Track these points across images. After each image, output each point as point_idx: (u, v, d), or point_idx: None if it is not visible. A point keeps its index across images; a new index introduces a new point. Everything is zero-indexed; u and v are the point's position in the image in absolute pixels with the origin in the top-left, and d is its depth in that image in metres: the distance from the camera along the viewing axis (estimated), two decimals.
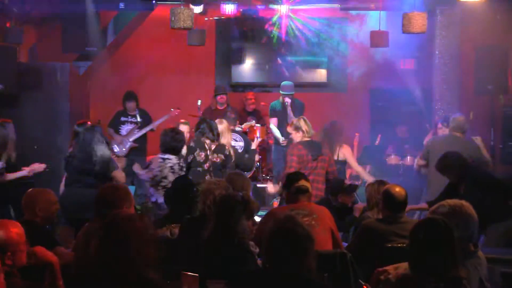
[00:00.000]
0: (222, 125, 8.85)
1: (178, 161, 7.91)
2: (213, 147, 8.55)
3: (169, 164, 7.83)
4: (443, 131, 9.53)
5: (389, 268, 4.62)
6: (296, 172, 7.03)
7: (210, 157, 8.49)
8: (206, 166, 8.48)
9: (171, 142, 7.95)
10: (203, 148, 8.45)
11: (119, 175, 8.01)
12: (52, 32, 11.53)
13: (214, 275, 4.27)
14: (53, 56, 11.36)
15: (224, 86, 12.33)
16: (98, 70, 12.74)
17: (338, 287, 5.23)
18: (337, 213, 7.38)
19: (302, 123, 8.69)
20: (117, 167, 8.10)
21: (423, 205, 7.99)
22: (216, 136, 8.60)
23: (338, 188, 7.85)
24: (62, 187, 8.23)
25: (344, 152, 9.47)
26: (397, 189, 5.90)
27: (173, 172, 7.78)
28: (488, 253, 5.27)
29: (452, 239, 3.82)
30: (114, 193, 4.66)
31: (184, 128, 9.74)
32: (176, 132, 8.12)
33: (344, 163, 9.53)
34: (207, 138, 8.53)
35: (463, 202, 4.37)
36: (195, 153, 8.43)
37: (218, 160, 8.57)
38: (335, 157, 9.31)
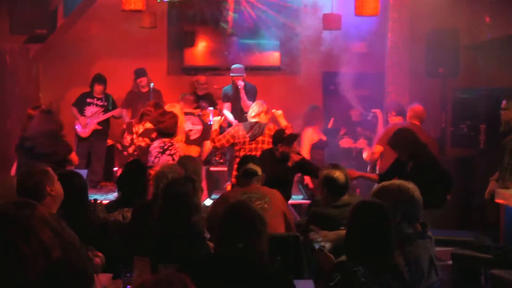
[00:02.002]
0: (174, 109, 8.76)
1: (161, 144, 7.82)
2: (140, 130, 8.49)
3: (150, 148, 7.84)
4: (392, 119, 9.64)
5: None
6: (250, 156, 7.07)
7: (135, 140, 8.48)
8: (130, 150, 8.48)
9: (156, 125, 7.94)
10: (130, 131, 8.46)
11: (74, 157, 8.02)
12: (0, 14, 11.31)
13: (166, 259, 4.23)
14: (1, 38, 11.16)
15: (144, 69, 12.06)
16: (48, 53, 12.55)
17: (290, 269, 5.23)
18: (280, 162, 7.77)
19: (257, 105, 8.86)
20: (71, 150, 8.08)
21: (374, 175, 8.06)
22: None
23: (278, 139, 7.93)
24: (13, 172, 8.15)
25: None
26: (337, 173, 5.95)
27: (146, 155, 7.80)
28: (439, 234, 5.34)
29: (386, 224, 3.78)
30: (32, 178, 4.59)
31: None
32: (161, 114, 8.07)
33: None
34: (142, 121, 8.52)
35: (402, 182, 4.36)
36: (123, 136, 8.48)
37: (144, 144, 8.53)
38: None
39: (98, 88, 11.56)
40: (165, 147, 7.76)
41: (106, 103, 11.62)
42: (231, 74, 10.99)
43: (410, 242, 4.16)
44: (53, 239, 3.18)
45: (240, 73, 10.90)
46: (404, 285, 3.77)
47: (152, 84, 11.52)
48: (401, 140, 7.46)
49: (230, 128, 9.00)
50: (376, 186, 4.51)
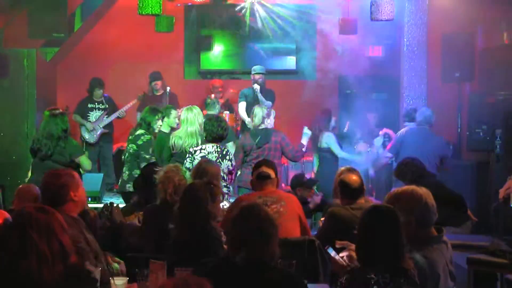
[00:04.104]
0: (187, 112, 8.71)
1: (217, 150, 7.89)
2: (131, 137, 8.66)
3: (201, 155, 7.85)
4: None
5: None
6: (263, 160, 7.09)
7: (131, 149, 8.60)
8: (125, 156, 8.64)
9: (218, 131, 8.00)
10: (127, 139, 8.65)
11: (85, 161, 8.00)
12: (18, 18, 11.39)
13: (183, 263, 4.26)
14: (19, 42, 11.23)
15: (159, 72, 12.18)
16: (65, 56, 12.62)
17: (306, 273, 5.24)
18: None
19: (257, 111, 8.85)
20: (82, 152, 8.09)
21: None
22: (148, 128, 8.64)
23: (297, 183, 7.98)
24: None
25: (327, 140, 9.73)
26: (353, 177, 5.95)
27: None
28: (455, 239, 5.33)
29: (396, 228, 3.78)
30: (58, 180, 4.55)
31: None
32: (220, 120, 8.17)
33: (327, 151, 9.78)
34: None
35: (415, 187, 4.36)
36: None
37: (131, 150, 8.63)
38: (318, 145, 9.59)
39: (99, 92, 11.59)
40: (223, 152, 7.86)
41: (107, 105, 11.65)
42: (252, 73, 10.93)
43: (424, 247, 4.16)
44: (71, 244, 3.25)
45: (261, 71, 10.87)
46: None
47: (168, 88, 11.58)
48: (402, 169, 7.67)
49: (240, 139, 9.06)
50: (389, 192, 4.51)
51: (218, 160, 7.67)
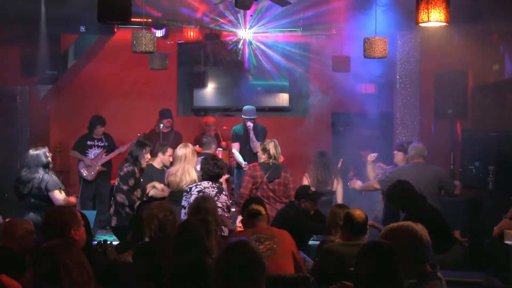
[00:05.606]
0: (185, 150, 8.72)
1: (213, 185, 7.94)
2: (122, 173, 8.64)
3: (197, 190, 7.85)
4: (397, 157, 9.66)
5: None
6: (252, 197, 7.10)
7: (117, 183, 8.59)
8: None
9: (214, 170, 8.05)
10: (118, 175, 8.68)
11: (58, 196, 7.93)
12: (12, 55, 11.43)
13: None
14: (12, 79, 11.25)
15: (170, 110, 12.27)
16: (58, 94, 12.65)
17: None
18: (303, 216, 7.79)
19: (271, 146, 8.81)
20: (55, 187, 8.01)
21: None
22: (135, 161, 8.66)
23: (302, 194, 7.93)
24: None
25: (337, 187, 9.68)
26: (358, 212, 5.98)
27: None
28: (448, 275, 5.31)
29: (394, 264, 3.77)
30: (60, 217, 4.52)
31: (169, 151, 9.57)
32: (216, 159, 8.26)
33: (333, 193, 9.72)
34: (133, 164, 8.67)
35: (410, 223, 4.34)
36: None
37: (116, 183, 8.62)
38: (330, 188, 9.52)
39: (100, 130, 11.55)
40: (219, 188, 7.94)
41: (106, 143, 11.61)
42: (243, 116, 10.97)
43: (419, 284, 4.14)
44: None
45: (252, 115, 10.87)
46: None
47: (161, 125, 11.61)
48: (392, 193, 7.63)
49: (247, 170, 9.03)
50: (384, 228, 4.49)
51: (216, 196, 7.71)
